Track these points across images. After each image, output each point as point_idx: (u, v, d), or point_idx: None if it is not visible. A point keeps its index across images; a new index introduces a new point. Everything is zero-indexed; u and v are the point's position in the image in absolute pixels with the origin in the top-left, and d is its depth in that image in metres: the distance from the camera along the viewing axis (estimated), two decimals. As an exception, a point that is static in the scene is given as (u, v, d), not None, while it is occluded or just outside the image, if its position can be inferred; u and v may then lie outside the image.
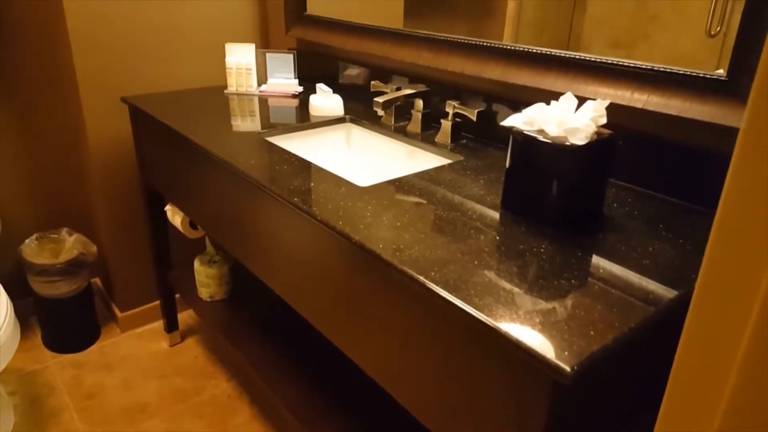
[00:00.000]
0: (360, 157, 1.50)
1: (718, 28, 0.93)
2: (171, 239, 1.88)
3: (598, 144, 0.88)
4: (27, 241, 1.93)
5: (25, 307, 2.01)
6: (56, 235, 1.97)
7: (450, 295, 0.71)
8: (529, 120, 0.93)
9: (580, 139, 0.86)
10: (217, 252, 1.79)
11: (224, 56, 1.75)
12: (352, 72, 1.66)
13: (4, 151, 1.89)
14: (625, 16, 1.06)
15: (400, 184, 1.08)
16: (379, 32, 1.53)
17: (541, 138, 0.89)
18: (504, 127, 0.94)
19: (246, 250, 1.27)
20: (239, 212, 1.25)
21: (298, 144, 1.45)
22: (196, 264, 1.77)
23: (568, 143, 0.86)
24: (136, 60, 1.78)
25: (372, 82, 1.49)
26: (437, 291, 0.72)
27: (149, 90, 1.83)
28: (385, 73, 1.54)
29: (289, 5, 1.80)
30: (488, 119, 1.29)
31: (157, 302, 2.06)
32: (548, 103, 0.94)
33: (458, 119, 1.31)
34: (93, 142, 1.79)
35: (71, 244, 1.94)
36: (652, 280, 0.75)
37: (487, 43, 1.25)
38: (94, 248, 1.98)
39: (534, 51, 1.16)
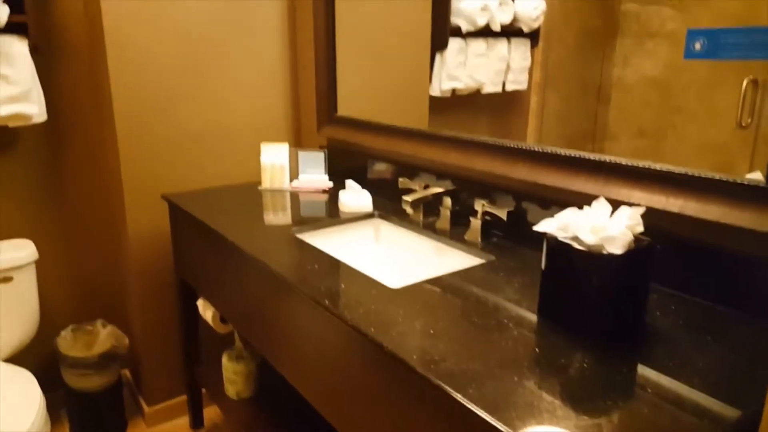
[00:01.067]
0: (389, 253, 1.48)
1: (749, 120, 0.90)
2: (201, 333, 1.84)
3: (636, 253, 0.84)
4: (63, 333, 1.91)
5: (57, 400, 1.96)
6: (91, 327, 1.95)
7: (491, 417, 0.65)
8: (563, 226, 0.89)
9: (617, 248, 0.82)
10: (245, 348, 1.74)
11: (259, 153, 1.78)
12: (381, 168, 1.67)
13: (48, 243, 1.91)
14: (650, 107, 1.04)
15: (431, 286, 1.04)
16: (407, 132, 1.54)
17: (576, 246, 0.85)
18: (537, 229, 0.91)
19: (273, 348, 1.23)
20: (268, 309, 1.22)
21: (328, 240, 1.43)
22: (224, 359, 1.71)
23: (605, 252, 0.82)
24: (177, 158, 1.83)
25: (400, 179, 1.49)
26: (477, 412, 0.66)
27: (188, 185, 1.86)
28: (412, 170, 1.54)
29: (322, 107, 1.85)
30: (519, 218, 1.26)
31: (184, 397, 1.99)
32: (581, 206, 0.91)
33: (488, 217, 1.29)
34: (132, 235, 1.81)
35: (105, 336, 1.91)
36: (709, 397, 0.68)
37: (514, 144, 1.24)
38: (126, 340, 1.95)
39: (561, 153, 1.14)
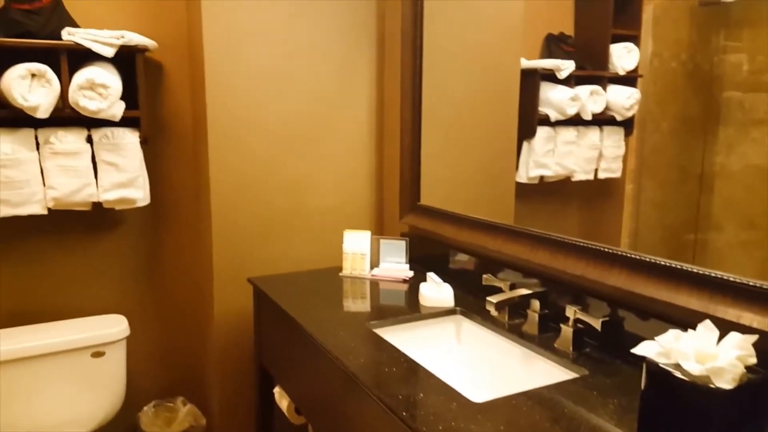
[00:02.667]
0: (471, 356, 1.40)
1: None
2: (276, 421, 1.81)
3: (748, 388, 0.74)
4: (145, 408, 1.95)
5: (132, 474, 1.98)
6: (172, 404, 1.98)
7: None
8: (665, 351, 0.80)
9: (726, 382, 0.73)
10: (318, 437, 1.69)
11: (342, 239, 1.79)
12: (463, 259, 1.63)
13: (139, 319, 2.00)
14: (758, 197, 0.95)
15: (518, 403, 0.96)
16: (491, 227, 1.50)
17: (679, 375, 0.76)
18: (636, 340, 0.82)
19: (347, 452, 1.17)
20: (341, 408, 1.17)
21: (406, 336, 1.38)
22: (297, 448, 1.67)
23: (712, 386, 0.73)
24: (265, 241, 1.89)
25: (484, 275, 1.44)
26: None
27: (273, 268, 1.90)
28: (497, 265, 1.48)
29: (405, 196, 1.86)
30: (615, 327, 1.16)
31: (254, 482, 1.94)
32: (685, 325, 0.82)
33: (580, 325, 1.20)
34: (218, 317, 1.85)
35: (184, 415, 1.93)
36: None
37: (608, 249, 1.16)
38: (203, 421, 1.95)
39: (661, 263, 1.05)
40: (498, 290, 1.39)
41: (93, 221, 1.88)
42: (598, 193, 1.32)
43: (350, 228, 1.96)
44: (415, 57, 1.78)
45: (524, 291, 1.30)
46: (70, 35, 1.59)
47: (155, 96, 1.91)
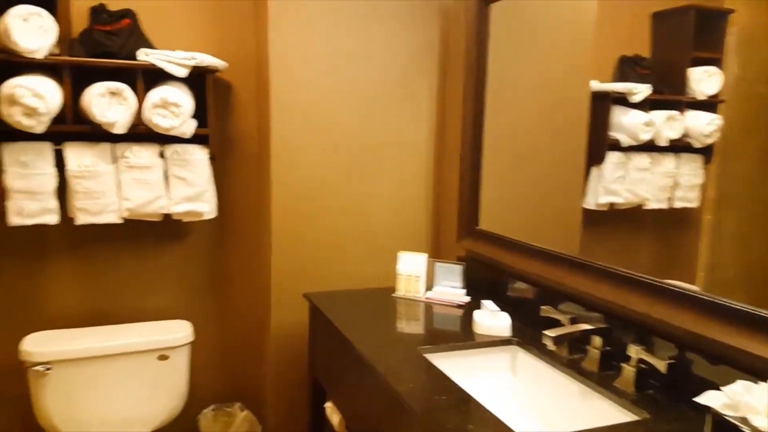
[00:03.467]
0: (525, 389, 1.35)
1: None
2: (327, 432, 1.83)
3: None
4: (205, 411, 2.02)
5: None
6: (230, 409, 2.04)
7: None
8: (732, 403, 0.74)
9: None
10: (368, 456, 1.68)
11: (396, 260, 1.79)
12: (522, 287, 1.58)
13: (202, 325, 2.07)
14: None
15: (569, 448, 0.91)
16: (552, 256, 1.45)
17: (746, 430, 0.70)
18: (703, 385, 0.76)
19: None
20: (388, 429, 1.16)
21: (458, 364, 1.35)
22: (346, 466, 1.67)
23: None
24: (322, 257, 1.91)
25: (543, 306, 1.39)
26: None
27: (329, 284, 1.92)
28: (558, 296, 1.43)
29: (463, 219, 1.83)
30: (681, 370, 1.09)
31: (305, 494, 1.96)
32: (756, 376, 0.75)
33: (643, 365, 1.13)
34: (275, 328, 1.89)
35: (240, 420, 1.98)
36: None
37: (676, 288, 1.09)
38: (259, 428, 2.00)
39: (735, 307, 0.97)
40: (557, 323, 1.34)
41: (163, 231, 1.97)
42: (672, 223, 1.24)
43: (406, 249, 1.96)
44: (478, 80, 1.75)
45: (585, 326, 1.24)
46: (146, 56, 1.69)
47: (223, 115, 1.99)
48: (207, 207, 1.84)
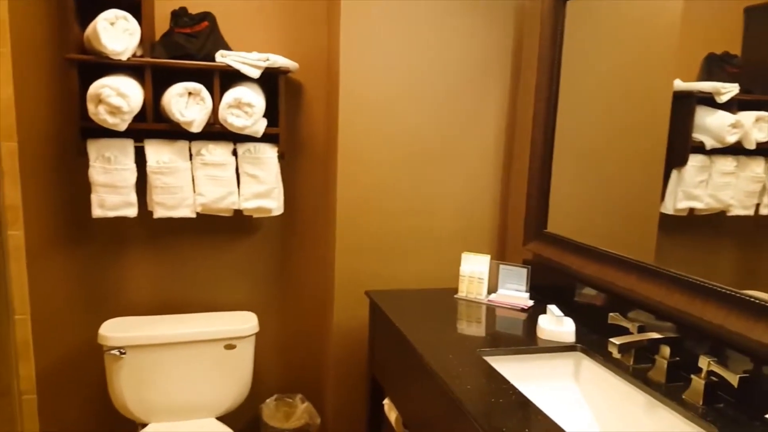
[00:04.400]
0: (588, 397, 1.32)
1: None
2: (386, 430, 1.85)
3: None
4: (268, 400, 2.10)
5: (254, 461, 2.14)
6: (291, 400, 2.11)
7: None
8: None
9: None
10: (424, 456, 1.70)
11: (460, 260, 1.79)
12: (589, 294, 1.54)
13: (267, 317, 2.15)
14: None
15: (631, 460, 0.89)
16: (623, 262, 1.40)
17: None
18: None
19: (449, 480, 1.17)
20: (444, 429, 1.17)
21: (519, 368, 1.34)
22: (402, 464, 1.69)
23: None
24: (384, 256, 1.94)
25: (611, 314, 1.35)
26: None
27: (390, 283, 1.95)
28: (627, 304, 1.39)
29: (530, 222, 1.80)
30: (755, 385, 1.03)
31: (362, 489, 2.00)
32: None
33: (714, 378, 1.08)
34: (336, 324, 1.94)
35: (301, 412, 2.05)
36: None
37: (757, 300, 1.04)
38: (318, 420, 2.05)
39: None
40: (625, 331, 1.30)
41: (234, 226, 2.07)
42: (758, 231, 1.18)
43: (470, 251, 1.95)
44: (551, 78, 1.72)
45: (654, 335, 1.20)
46: (222, 57, 1.77)
47: (294, 114, 2.06)
48: (275, 204, 1.91)
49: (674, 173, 1.32)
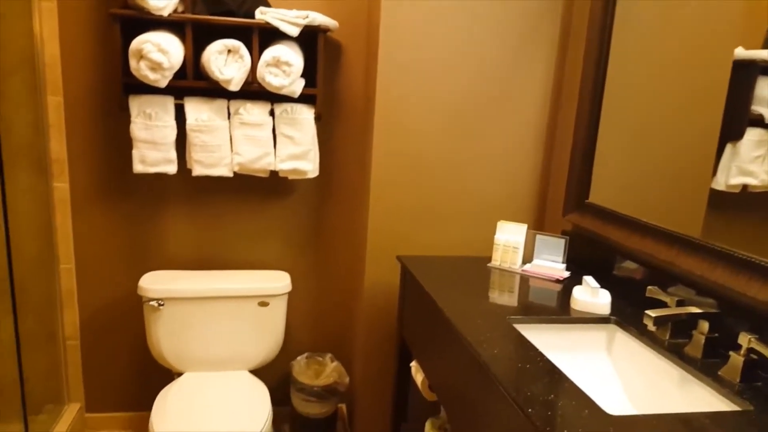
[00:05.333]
0: (619, 369, 1.30)
1: None
2: (412, 392, 1.88)
3: None
4: (299, 357, 2.15)
5: (283, 415, 2.21)
6: (321, 359, 2.16)
7: None
8: None
9: None
10: (450, 420, 1.72)
11: (495, 229, 1.77)
12: (628, 267, 1.51)
13: (300, 277, 2.20)
14: None
15: (659, 423, 0.88)
16: (666, 235, 1.36)
17: None
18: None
19: (472, 442, 1.18)
20: (471, 394, 1.18)
21: (549, 338, 1.33)
22: (427, 426, 1.72)
23: None
24: (418, 221, 1.94)
25: (649, 287, 1.32)
26: None
27: (422, 249, 1.95)
28: (666, 278, 1.35)
29: (571, 192, 1.76)
30: (798, 366, 1.00)
31: (388, 448, 2.05)
32: None
33: (754, 356, 1.05)
34: (367, 286, 1.96)
35: (330, 370, 2.10)
36: None
37: (806, 275, 1.00)
38: (346, 379, 2.10)
39: None
40: (663, 305, 1.27)
41: (269, 187, 2.10)
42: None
43: (507, 220, 1.93)
44: (602, 46, 1.65)
45: (693, 309, 1.17)
46: (262, 14, 1.77)
47: (332, 74, 2.05)
48: (311, 166, 1.93)
49: (728, 147, 1.25)
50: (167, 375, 2.01)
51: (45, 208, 1.96)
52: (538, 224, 2.03)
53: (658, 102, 1.47)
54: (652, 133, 1.48)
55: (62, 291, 2.04)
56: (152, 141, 1.82)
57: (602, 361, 1.35)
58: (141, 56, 1.67)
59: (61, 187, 1.97)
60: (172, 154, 1.86)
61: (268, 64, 1.75)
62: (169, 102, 1.82)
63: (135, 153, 1.83)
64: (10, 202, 1.76)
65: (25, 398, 1.85)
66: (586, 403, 0.94)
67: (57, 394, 2.10)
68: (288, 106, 1.87)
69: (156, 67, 1.67)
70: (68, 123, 1.93)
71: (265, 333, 1.99)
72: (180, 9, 1.77)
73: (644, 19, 1.52)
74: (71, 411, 2.10)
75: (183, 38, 1.77)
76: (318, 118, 1.91)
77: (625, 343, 1.31)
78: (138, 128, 1.81)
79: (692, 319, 1.18)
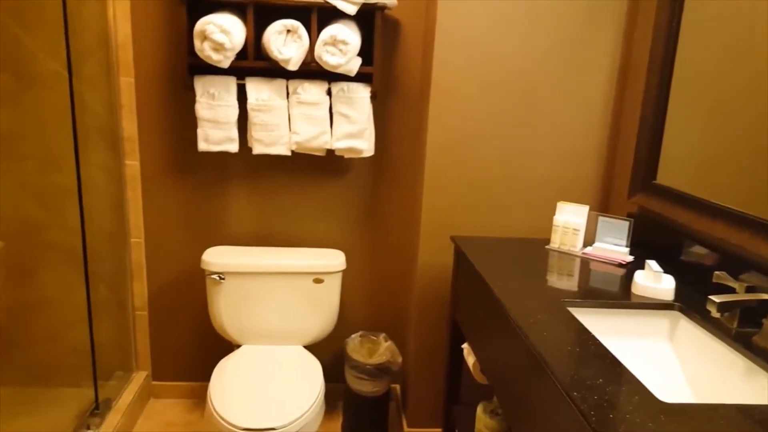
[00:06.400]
0: (680, 357, 1.25)
1: None
2: (465, 374, 1.87)
3: None
4: (353, 335, 2.19)
5: (337, 392, 2.26)
6: (375, 338, 2.19)
7: None
8: None
9: None
10: (501, 405, 1.70)
11: (554, 210, 1.72)
12: (696, 251, 1.43)
13: (354, 256, 2.23)
14: None
15: (712, 414, 0.83)
16: (738, 218, 1.28)
17: None
18: None
19: (518, 419, 1.16)
20: (520, 377, 1.16)
21: (607, 322, 1.29)
22: (479, 410, 1.71)
23: None
24: (473, 201, 1.92)
25: (716, 272, 1.24)
26: None
27: (478, 229, 1.93)
28: (737, 263, 1.27)
29: (638, 171, 1.69)
30: None
31: (440, 430, 2.06)
32: None
33: (831, 349, 0.98)
34: (421, 266, 1.96)
35: (383, 349, 2.12)
36: None
37: None
38: (399, 359, 2.11)
39: None
40: (731, 291, 1.20)
41: (325, 166, 2.13)
42: None
43: (569, 201, 1.87)
44: (672, 19, 1.57)
45: (763, 296, 1.10)
46: (321, -7, 1.79)
47: (389, 53, 2.04)
48: (366, 145, 1.94)
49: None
50: (227, 347, 2.10)
51: (117, 185, 2.08)
52: (602, 207, 1.96)
53: (733, 77, 1.37)
54: (725, 110, 1.39)
55: (132, 263, 2.17)
56: (215, 120, 1.89)
57: (663, 349, 1.29)
58: (205, 37, 1.73)
59: (132, 164, 2.08)
60: (234, 133, 1.92)
61: (325, 43, 1.77)
62: (232, 82, 1.88)
63: (199, 132, 1.91)
64: (85, 178, 1.89)
65: (96, 364, 1.99)
66: (637, 389, 0.91)
67: (126, 361, 2.25)
68: (345, 84, 1.89)
69: (219, 47, 1.73)
70: (138, 103, 2.04)
71: (320, 309, 2.03)
72: (242, -11, 1.82)
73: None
74: (138, 378, 2.24)
75: (244, 19, 1.82)
76: (374, 97, 1.92)
77: (688, 330, 1.25)
78: (202, 108, 1.88)
79: (763, 307, 1.11)
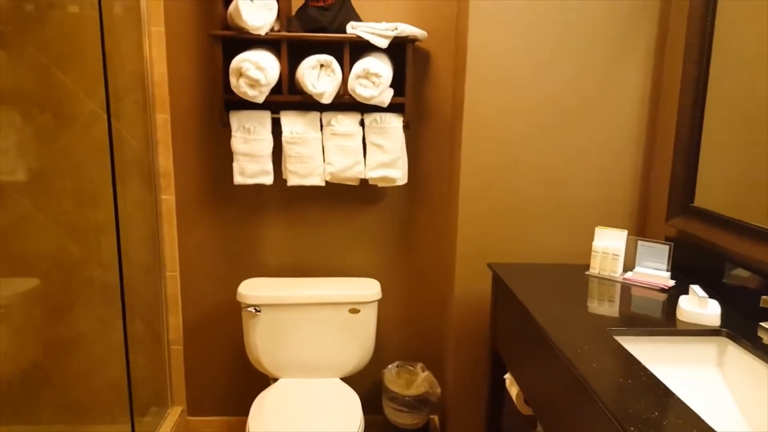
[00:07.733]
0: (731, 387, 1.26)
1: None
2: (507, 405, 1.89)
3: None
4: (390, 366, 2.23)
5: (375, 424, 2.28)
6: (412, 368, 2.22)
7: None
8: None
9: None
10: (546, 435, 1.72)
11: (593, 235, 1.75)
12: (739, 274, 1.45)
13: (390, 285, 2.27)
14: None
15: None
16: (782, 240, 1.30)
17: None
18: None
19: (570, 456, 1.18)
20: (569, 409, 1.18)
21: (654, 351, 1.31)
22: (523, 441, 1.72)
23: None
24: (509, 227, 1.96)
25: (763, 296, 1.27)
26: None
27: (514, 256, 1.96)
28: (784, 287, 1.29)
29: (675, 195, 1.71)
30: None
31: (481, 463, 2.07)
32: None
33: None
34: (458, 294, 2.00)
35: (421, 380, 2.15)
36: None
37: None
38: (438, 390, 2.14)
39: None
40: (779, 316, 1.22)
41: (359, 195, 2.19)
42: None
43: (606, 225, 1.90)
44: (704, 38, 1.61)
45: (814, 322, 1.12)
46: (353, 29, 1.87)
47: (420, 82, 2.12)
48: (399, 173, 2.00)
49: None
50: (264, 381, 2.15)
51: (153, 219, 2.16)
52: (639, 230, 1.99)
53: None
54: (761, 131, 1.42)
55: (167, 297, 2.24)
56: (251, 154, 1.97)
57: (712, 377, 1.31)
58: (240, 74, 1.81)
59: (168, 199, 2.16)
60: (269, 166, 2.00)
61: (358, 76, 1.84)
62: (266, 117, 1.96)
63: (235, 165, 1.99)
64: (122, 213, 1.97)
65: (132, 400, 2.04)
66: (693, 420, 0.93)
67: (161, 397, 2.30)
68: (377, 115, 1.96)
69: (254, 83, 1.81)
70: (174, 139, 2.13)
71: (356, 340, 2.07)
72: (276, 27, 1.90)
73: (751, 6, 1.47)
74: (174, 414, 2.29)
75: (279, 55, 1.91)
76: (406, 126, 1.98)
77: (737, 357, 1.27)
78: (238, 142, 1.96)
79: (816, 333, 1.12)
